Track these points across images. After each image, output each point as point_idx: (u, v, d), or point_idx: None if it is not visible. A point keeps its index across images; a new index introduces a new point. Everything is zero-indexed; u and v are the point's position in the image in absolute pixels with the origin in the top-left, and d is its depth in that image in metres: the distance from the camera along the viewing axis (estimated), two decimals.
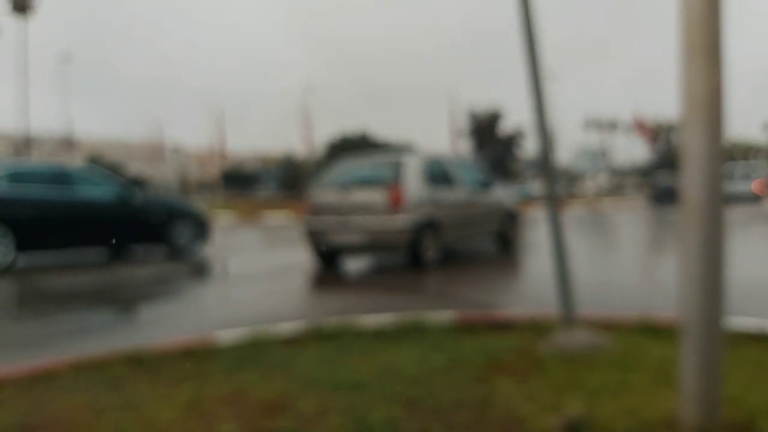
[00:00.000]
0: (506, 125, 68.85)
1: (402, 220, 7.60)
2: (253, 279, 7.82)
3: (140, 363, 3.25)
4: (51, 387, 2.90)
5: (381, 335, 3.75)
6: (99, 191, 9.67)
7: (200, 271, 9.15)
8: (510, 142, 67.94)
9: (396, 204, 7.63)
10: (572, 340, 3.20)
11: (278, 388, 2.71)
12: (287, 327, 3.89)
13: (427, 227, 7.90)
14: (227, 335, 3.72)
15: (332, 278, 7.75)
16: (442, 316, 4.08)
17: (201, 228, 10.73)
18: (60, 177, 9.34)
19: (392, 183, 7.77)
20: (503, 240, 9.72)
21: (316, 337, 3.75)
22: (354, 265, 8.77)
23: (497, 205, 9.65)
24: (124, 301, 6.40)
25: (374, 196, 7.82)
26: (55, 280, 8.00)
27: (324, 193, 8.36)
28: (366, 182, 8.11)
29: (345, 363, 3.12)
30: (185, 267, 9.30)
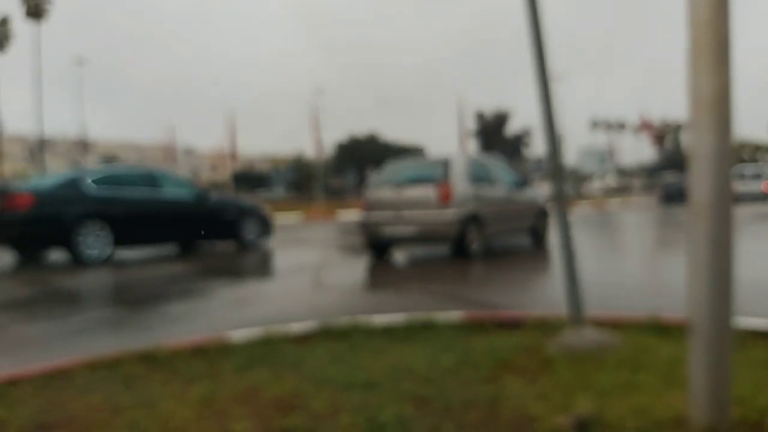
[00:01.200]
0: (513, 126, 68.92)
1: (450, 214, 8.33)
2: (318, 269, 8.97)
3: (154, 361, 3.27)
4: (66, 386, 2.91)
5: (391, 334, 3.75)
6: (180, 192, 10.68)
7: (267, 260, 10.22)
8: (517, 142, 67.92)
9: (445, 199, 8.38)
10: (581, 339, 3.19)
11: (290, 387, 2.72)
12: (298, 326, 3.90)
13: (472, 221, 8.58)
14: (239, 334, 3.73)
15: (384, 268, 8.51)
16: (451, 315, 4.08)
17: (265, 225, 11.75)
18: (148, 179, 10.34)
19: (442, 180, 8.51)
20: (536, 235, 10.39)
21: (326, 335, 3.76)
22: (404, 256, 9.67)
23: (532, 203, 10.40)
24: (211, 286, 7.32)
25: (425, 193, 8.57)
26: (147, 269, 8.87)
27: (377, 191, 9.15)
28: (417, 180, 8.83)
29: (356, 362, 3.12)
30: (256, 258, 10.32)
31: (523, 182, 10.41)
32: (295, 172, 43.97)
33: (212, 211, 10.93)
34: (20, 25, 59.71)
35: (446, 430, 2.20)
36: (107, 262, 9.16)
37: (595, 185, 55.08)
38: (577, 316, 3.34)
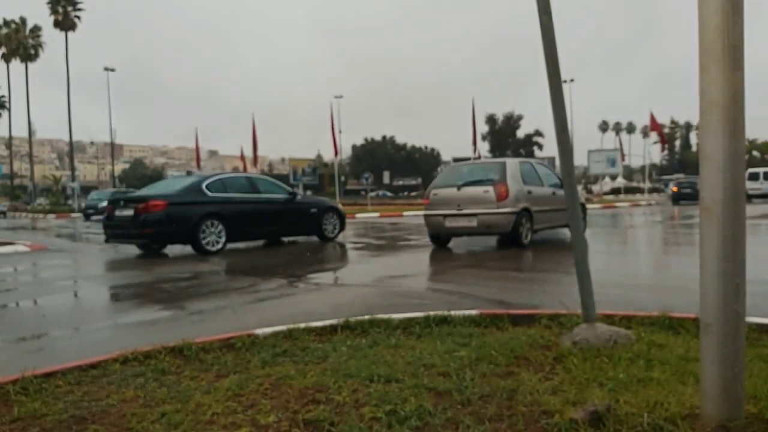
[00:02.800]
0: (524, 128, 68.47)
1: (507, 210, 9.50)
2: (388, 255, 10.49)
3: (184, 356, 3.30)
4: (100, 380, 2.95)
5: (409, 330, 3.76)
6: (275, 194, 12.15)
7: (345, 249, 11.54)
8: (529, 143, 67.56)
9: (502, 197, 9.53)
10: (594, 335, 3.18)
11: (314, 381, 2.74)
12: (320, 322, 3.92)
13: (524, 216, 9.71)
14: (265, 329, 3.76)
15: (446, 254, 9.77)
16: (466, 311, 4.08)
17: (341, 220, 13.19)
18: (249, 184, 11.98)
19: (499, 181, 9.67)
20: None
21: (347, 331, 3.78)
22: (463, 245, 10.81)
23: None
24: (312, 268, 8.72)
25: (484, 191, 9.71)
26: (252, 256, 10.57)
27: (439, 190, 10.41)
28: (476, 181, 10.00)
29: (376, 357, 3.13)
30: (337, 247, 11.71)
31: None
32: (313, 173, 44.07)
33: (300, 210, 12.41)
34: (52, 33, 60.36)
35: (465, 423, 2.20)
36: (220, 252, 10.55)
37: (605, 186, 54.62)
38: (589, 313, 3.33)
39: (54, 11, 53.98)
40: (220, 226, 10.68)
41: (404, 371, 2.84)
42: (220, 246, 10.65)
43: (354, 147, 78.58)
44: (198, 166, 42.13)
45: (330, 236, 12.75)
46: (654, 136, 45.94)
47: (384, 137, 77.96)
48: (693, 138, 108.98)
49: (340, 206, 13.89)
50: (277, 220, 11.87)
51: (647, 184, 50.20)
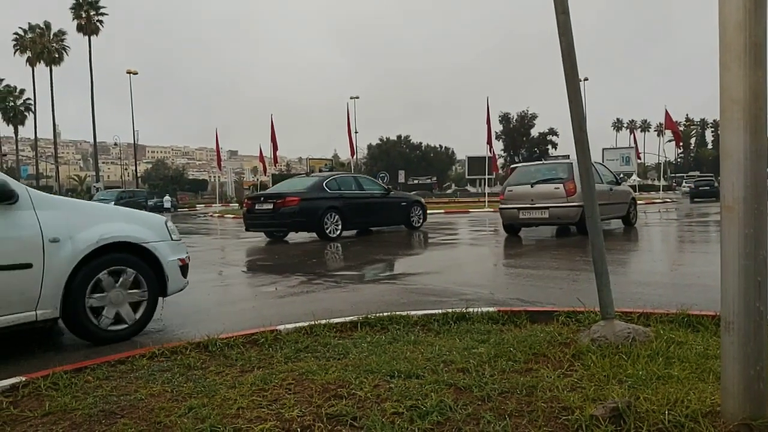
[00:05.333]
0: (538, 126, 67.95)
1: (575, 203, 10.91)
2: (465, 242, 12.07)
3: (209, 351, 3.33)
4: (128, 374, 2.99)
5: (427, 327, 3.76)
6: (375, 190, 14.25)
7: (429, 235, 13.27)
8: (543, 142, 67.04)
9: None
10: (613, 332, 3.15)
11: (336, 377, 2.75)
12: (340, 319, 3.94)
13: None
14: (287, 326, 3.79)
15: (519, 241, 11.23)
16: (484, 308, 4.07)
17: (424, 212, 15.31)
18: (355, 182, 14.01)
19: (567, 179, 11.25)
20: (628, 220, 13.37)
21: (367, 327, 3.79)
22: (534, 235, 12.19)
23: (626, 196, 13.38)
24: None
25: (554, 188, 11.30)
26: (365, 240, 12.59)
27: (513, 187, 11.99)
28: (547, 179, 11.55)
29: (396, 353, 3.14)
30: (421, 234, 13.56)
31: (618, 181, 13.42)
32: (331, 172, 44.20)
33: (393, 203, 14.45)
34: (76, 37, 61.13)
35: (485, 419, 2.20)
36: (338, 238, 12.49)
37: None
38: (608, 310, 3.31)
39: (77, 16, 54.61)
40: (338, 217, 12.67)
41: (424, 367, 2.84)
42: (338, 233, 12.64)
43: (370, 146, 78.60)
44: (219, 166, 42.41)
45: (416, 225, 14.83)
46: (669, 134, 45.29)
47: (399, 137, 77.86)
48: (708, 136, 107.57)
49: (423, 200, 15.85)
50: (377, 212, 13.87)
51: (662, 182, 49.57)
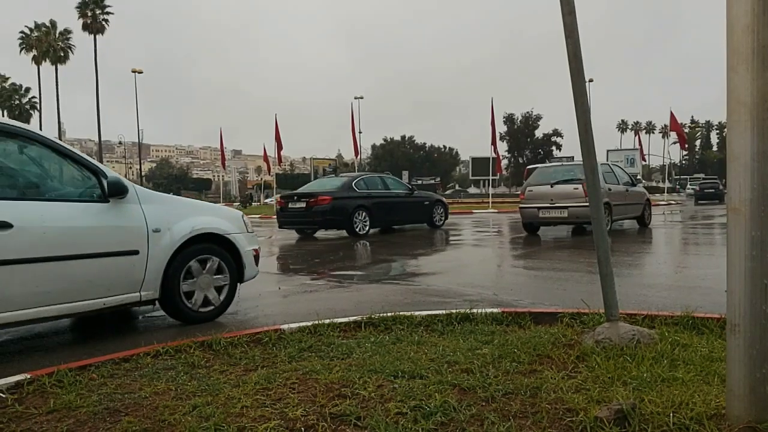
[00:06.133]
0: (542, 127, 67.80)
1: None
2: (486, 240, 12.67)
3: (213, 350, 3.34)
4: (133, 372, 3.00)
5: (431, 327, 3.76)
6: (399, 189, 14.97)
7: (450, 233, 13.99)
8: (547, 143, 66.87)
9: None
10: (617, 334, 3.14)
11: (340, 376, 2.75)
12: (344, 319, 3.94)
13: (606, 208, 11.46)
14: (291, 325, 3.79)
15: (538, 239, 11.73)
16: (488, 309, 4.06)
17: (446, 211, 15.94)
18: (381, 182, 14.79)
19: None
20: (643, 220, 13.82)
21: (370, 327, 3.79)
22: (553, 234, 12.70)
23: (641, 196, 13.80)
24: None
25: (573, 188, 11.72)
26: (387, 237, 13.20)
27: (533, 187, 12.50)
28: (566, 180, 12.04)
29: (400, 353, 3.14)
30: (444, 232, 14.19)
31: (634, 182, 13.91)
32: (333, 173, 44.20)
33: (416, 202, 15.03)
34: (81, 36, 61.28)
35: (490, 420, 2.20)
36: (366, 235, 13.20)
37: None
38: (612, 312, 3.30)
39: (83, 15, 54.75)
40: (366, 215, 13.44)
41: (428, 368, 2.84)
42: (366, 230, 13.42)
43: (374, 146, 78.62)
44: (223, 165, 42.45)
45: (438, 224, 15.43)
46: (674, 136, 45.16)
47: (403, 137, 77.87)
48: (714, 138, 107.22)
49: (444, 199, 16.63)
50: (402, 210, 14.60)
51: (667, 184, 49.48)
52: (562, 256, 8.89)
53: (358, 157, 36.62)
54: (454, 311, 3.99)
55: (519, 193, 13.92)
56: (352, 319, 3.94)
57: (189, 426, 2.22)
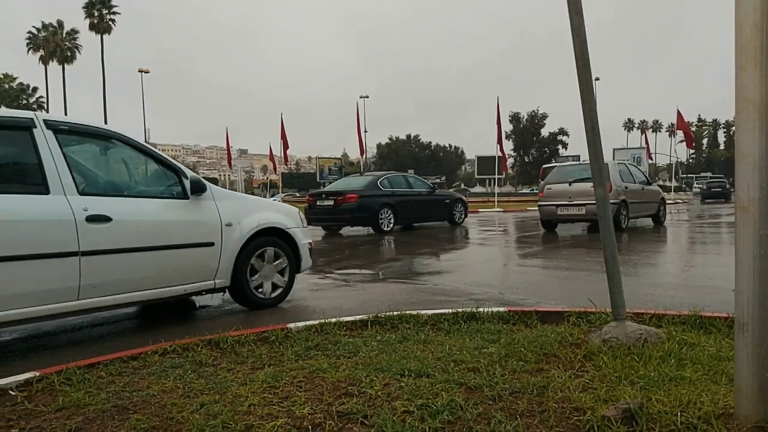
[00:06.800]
0: (548, 126, 67.57)
1: (611, 201, 10.81)
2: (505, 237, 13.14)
3: (220, 348, 3.35)
4: (140, 371, 3.01)
5: (437, 326, 3.76)
6: (422, 188, 15.45)
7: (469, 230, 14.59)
8: (553, 142, 66.66)
9: (607, 190, 10.82)
10: (624, 333, 3.14)
11: (346, 375, 2.75)
12: (350, 317, 3.94)
13: (623, 205, 12.21)
14: (298, 324, 3.80)
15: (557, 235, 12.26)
16: (494, 308, 4.06)
17: (465, 209, 16.50)
18: (405, 180, 15.33)
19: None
20: (657, 218, 14.28)
21: (377, 326, 3.79)
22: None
23: (656, 195, 14.34)
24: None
25: (590, 186, 11.82)
26: (410, 234, 13.73)
27: (552, 185, 12.90)
28: (585, 178, 11.92)
29: (407, 352, 3.14)
30: (464, 230, 14.68)
31: (650, 181, 14.42)
32: (339, 172, 44.23)
33: (438, 200, 15.56)
34: (88, 35, 61.52)
35: (497, 418, 2.20)
36: (391, 232, 13.70)
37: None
38: (619, 311, 3.29)
39: (90, 15, 54.99)
40: (390, 213, 13.90)
41: (434, 366, 2.84)
42: (390, 227, 13.88)
43: (379, 146, 78.61)
44: (229, 165, 42.55)
45: (458, 221, 15.94)
46: (681, 134, 44.89)
47: (408, 136, 77.84)
48: (721, 136, 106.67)
49: (464, 198, 17.11)
50: (424, 208, 15.09)
51: (674, 183, 49.25)
52: (568, 255, 8.89)
53: (364, 156, 36.62)
54: (460, 310, 3.99)
55: (537, 191, 14.68)
56: (358, 317, 3.94)
57: (197, 424, 2.23)
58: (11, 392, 2.70)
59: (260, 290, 4.99)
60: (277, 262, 5.14)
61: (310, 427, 2.20)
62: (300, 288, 5.90)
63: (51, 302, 3.71)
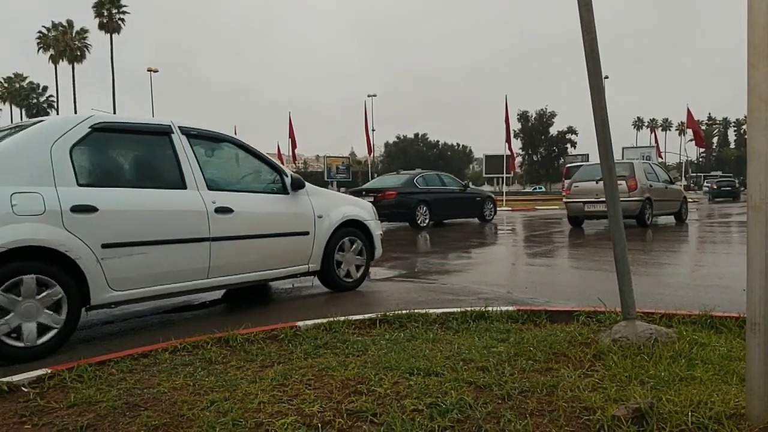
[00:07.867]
0: (557, 125, 67.29)
1: (636, 198, 12.73)
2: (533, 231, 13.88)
3: (230, 346, 3.37)
4: (151, 368, 3.03)
5: (446, 325, 3.76)
6: (454, 185, 16.24)
7: (498, 227, 15.21)
8: (562, 140, 66.49)
9: (633, 188, 12.73)
10: (634, 332, 3.13)
11: (355, 373, 2.76)
12: (359, 316, 3.95)
13: (648, 203, 13.05)
14: (306, 322, 3.81)
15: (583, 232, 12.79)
16: (503, 308, 4.06)
17: (494, 206, 17.25)
18: (438, 178, 16.06)
19: (630, 176, 12.81)
20: (680, 215, 14.90)
21: (386, 325, 3.79)
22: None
23: (678, 194, 15.06)
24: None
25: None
26: (445, 229, 14.41)
27: (579, 183, 13.60)
28: None
29: (415, 350, 3.15)
30: (494, 226, 15.42)
31: (672, 180, 15.13)
32: (347, 171, 44.24)
33: (469, 198, 16.38)
34: (98, 35, 61.83)
35: (506, 417, 2.20)
36: (426, 227, 14.50)
37: None
38: (629, 311, 3.28)
39: (99, 14, 55.30)
40: (426, 209, 14.72)
41: (443, 365, 2.84)
42: (426, 223, 14.70)
43: (387, 144, 78.55)
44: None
45: (488, 218, 16.63)
46: (691, 133, 44.60)
47: (416, 135, 77.78)
48: (731, 135, 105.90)
49: (493, 196, 17.90)
50: (456, 205, 15.91)
51: (683, 182, 48.96)
52: (577, 254, 8.86)
53: (372, 155, 36.61)
54: (469, 309, 3.99)
55: (565, 189, 15.67)
56: (366, 316, 3.95)
57: (207, 421, 2.24)
58: (24, 389, 2.73)
59: (343, 274, 5.62)
60: (357, 249, 5.74)
61: (319, 425, 2.21)
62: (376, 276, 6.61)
63: (188, 280, 4.36)
